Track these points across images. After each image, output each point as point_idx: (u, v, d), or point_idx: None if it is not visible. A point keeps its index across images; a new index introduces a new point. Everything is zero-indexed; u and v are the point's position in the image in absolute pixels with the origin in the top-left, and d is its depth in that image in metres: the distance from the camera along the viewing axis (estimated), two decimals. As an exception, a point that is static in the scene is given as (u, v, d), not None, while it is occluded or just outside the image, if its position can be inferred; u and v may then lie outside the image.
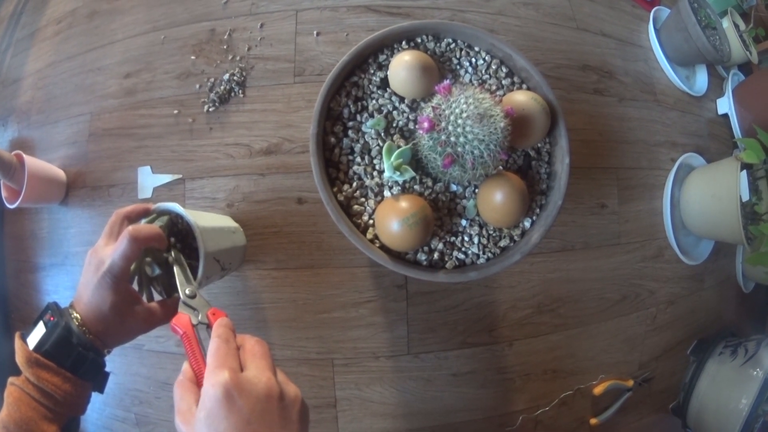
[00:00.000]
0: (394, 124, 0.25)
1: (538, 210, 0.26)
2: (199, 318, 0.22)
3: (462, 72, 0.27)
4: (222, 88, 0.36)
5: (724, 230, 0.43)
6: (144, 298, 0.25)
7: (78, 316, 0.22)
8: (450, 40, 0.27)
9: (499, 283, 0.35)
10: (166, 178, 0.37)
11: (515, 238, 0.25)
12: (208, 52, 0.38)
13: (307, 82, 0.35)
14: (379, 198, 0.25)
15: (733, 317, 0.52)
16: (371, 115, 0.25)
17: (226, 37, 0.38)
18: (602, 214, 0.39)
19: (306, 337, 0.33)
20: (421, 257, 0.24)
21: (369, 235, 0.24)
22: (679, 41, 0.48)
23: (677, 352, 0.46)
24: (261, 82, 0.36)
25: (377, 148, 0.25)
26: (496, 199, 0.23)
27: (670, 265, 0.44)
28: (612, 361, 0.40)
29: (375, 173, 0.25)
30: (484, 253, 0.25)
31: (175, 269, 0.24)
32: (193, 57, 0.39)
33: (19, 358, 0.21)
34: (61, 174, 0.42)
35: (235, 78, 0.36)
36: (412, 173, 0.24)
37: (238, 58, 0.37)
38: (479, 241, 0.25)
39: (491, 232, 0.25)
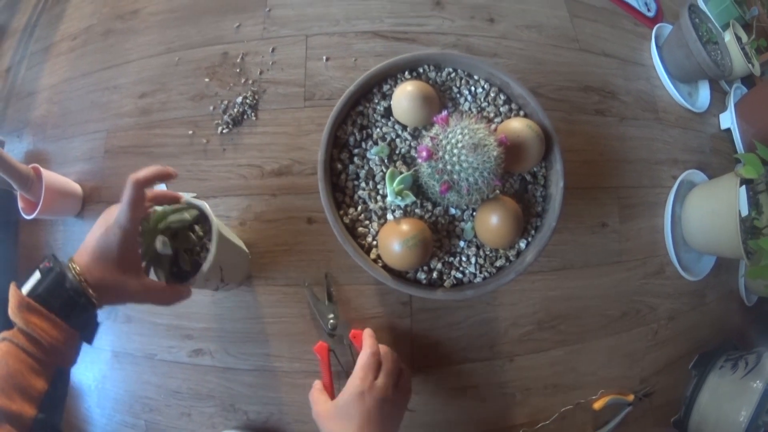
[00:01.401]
0: (397, 151, 0.28)
1: (533, 231, 0.28)
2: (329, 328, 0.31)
3: (462, 100, 0.29)
4: (235, 110, 0.38)
5: (724, 245, 0.45)
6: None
7: (77, 266, 0.23)
8: (450, 70, 0.29)
9: (500, 300, 0.37)
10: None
11: (511, 258, 0.27)
12: (221, 75, 0.41)
13: (317, 107, 0.38)
14: (382, 221, 0.27)
15: (736, 331, 0.54)
16: (375, 143, 0.28)
17: (238, 60, 0.41)
18: (603, 233, 0.41)
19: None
20: (421, 276, 0.26)
21: (372, 255, 0.26)
22: (680, 58, 0.50)
23: (678, 367, 0.48)
24: (272, 105, 0.39)
25: (381, 174, 0.27)
26: (492, 222, 0.25)
27: (671, 282, 0.46)
28: (612, 376, 0.42)
29: (379, 197, 0.27)
30: (480, 273, 0.27)
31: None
32: (206, 79, 0.41)
33: (11, 305, 0.22)
34: (77, 188, 0.45)
35: (248, 101, 0.38)
36: (413, 198, 0.26)
37: (250, 81, 0.40)
38: (476, 261, 0.27)
39: (488, 253, 0.27)
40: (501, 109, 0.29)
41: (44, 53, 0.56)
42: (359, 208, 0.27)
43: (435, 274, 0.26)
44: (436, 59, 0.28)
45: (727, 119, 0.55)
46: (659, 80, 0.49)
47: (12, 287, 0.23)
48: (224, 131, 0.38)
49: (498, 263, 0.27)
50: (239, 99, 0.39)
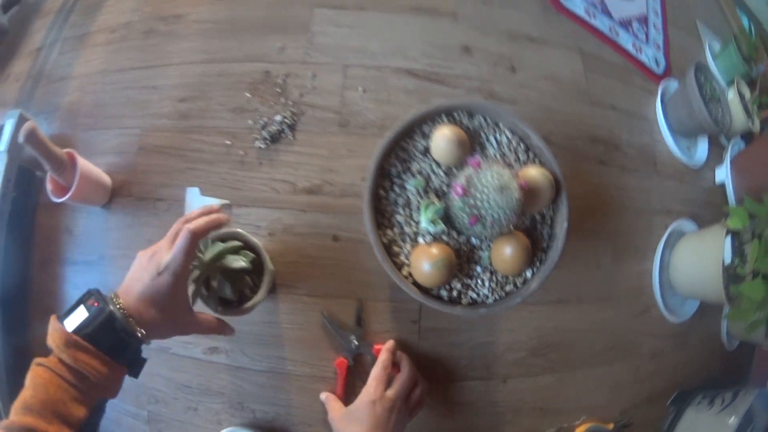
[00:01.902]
0: (431, 185, 0.34)
1: (538, 264, 0.34)
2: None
3: (488, 146, 0.35)
4: (274, 128, 0.44)
5: (707, 291, 0.52)
6: (210, 311, 0.32)
7: (125, 309, 0.25)
8: (481, 117, 0.36)
9: (500, 326, 0.44)
10: (214, 201, 0.45)
11: (518, 284, 0.34)
12: (262, 92, 0.47)
13: (351, 134, 0.44)
14: (414, 243, 0.33)
15: (716, 373, 0.60)
16: (414, 176, 0.34)
17: (280, 80, 0.47)
18: (597, 273, 0.48)
19: (326, 358, 0.40)
20: (443, 293, 0.32)
21: (404, 272, 0.32)
22: (682, 115, 0.57)
23: (657, 402, 0.54)
24: (309, 127, 0.44)
25: (417, 203, 0.33)
26: (506, 252, 0.31)
27: (655, 322, 0.53)
28: (595, 405, 0.48)
29: (413, 223, 0.33)
30: (492, 295, 0.33)
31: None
32: (248, 94, 0.47)
33: (55, 340, 0.24)
34: (107, 179, 0.50)
35: (286, 121, 0.44)
36: (443, 227, 0.32)
37: (290, 102, 0.45)
38: (489, 285, 0.33)
39: (499, 279, 0.33)
40: (520, 156, 0.35)
41: (79, 41, 0.60)
42: (396, 230, 0.33)
43: (455, 293, 0.32)
44: (470, 107, 0.35)
45: (722, 173, 0.62)
46: (661, 134, 0.56)
47: (54, 322, 0.25)
48: (262, 146, 0.44)
49: (507, 288, 0.33)
50: (278, 117, 0.44)
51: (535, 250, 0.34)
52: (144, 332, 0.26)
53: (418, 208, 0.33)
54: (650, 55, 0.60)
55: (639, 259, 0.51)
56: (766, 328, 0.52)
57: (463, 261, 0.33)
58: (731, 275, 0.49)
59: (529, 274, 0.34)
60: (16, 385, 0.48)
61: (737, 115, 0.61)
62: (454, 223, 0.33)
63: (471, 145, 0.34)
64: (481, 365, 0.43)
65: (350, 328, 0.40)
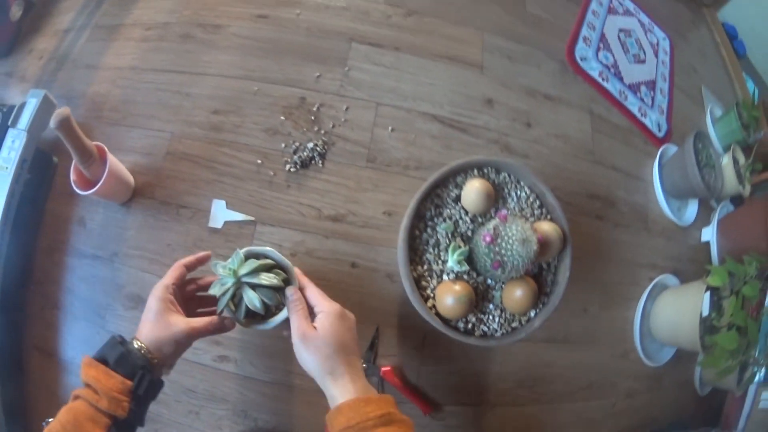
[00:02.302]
0: (458, 230, 0.40)
1: (541, 306, 0.41)
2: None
3: (509, 200, 0.42)
4: (305, 154, 0.49)
5: (684, 339, 0.59)
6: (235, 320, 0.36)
7: (135, 335, 0.32)
8: (506, 174, 0.42)
9: (493, 359, 0.50)
10: (239, 216, 0.49)
11: (523, 322, 0.40)
12: (296, 118, 0.52)
13: (377, 170, 0.49)
14: (439, 279, 0.39)
15: (687, 415, 0.68)
16: (444, 220, 0.40)
17: (315, 109, 0.52)
18: (583, 317, 0.55)
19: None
20: (460, 325, 0.38)
21: (429, 304, 0.38)
22: (677, 178, 0.66)
23: (630, 438, 0.62)
24: (338, 158, 0.50)
25: (445, 244, 0.39)
26: (516, 294, 0.38)
27: (633, 365, 0.61)
28: (572, 437, 0.55)
29: (440, 262, 0.39)
30: (500, 329, 0.39)
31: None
32: (282, 117, 0.52)
33: (81, 367, 0.29)
34: (131, 178, 0.53)
35: (317, 149, 0.50)
36: (467, 267, 0.38)
37: (322, 131, 0.51)
38: (499, 321, 0.39)
39: (508, 316, 0.40)
40: (535, 211, 0.42)
41: (111, 31, 0.63)
42: (425, 267, 0.39)
43: (470, 325, 0.39)
44: (498, 165, 0.42)
45: (709, 233, 0.71)
46: (654, 195, 0.64)
47: (84, 356, 0.30)
48: (291, 170, 0.49)
49: (513, 324, 0.40)
50: (310, 144, 0.50)
51: (539, 294, 0.40)
52: (147, 348, 0.31)
53: (446, 249, 0.39)
54: (654, 119, 0.69)
55: (623, 307, 0.59)
56: (737, 376, 0.61)
57: (479, 298, 0.39)
58: (707, 326, 0.57)
59: (533, 314, 0.40)
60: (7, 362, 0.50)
61: (729, 180, 0.68)
62: (476, 264, 0.39)
63: (496, 197, 0.41)
64: (472, 392, 0.49)
65: (365, 353, 0.45)
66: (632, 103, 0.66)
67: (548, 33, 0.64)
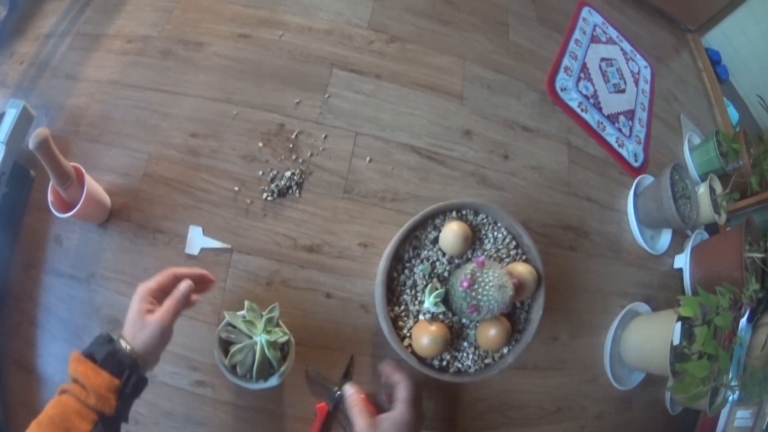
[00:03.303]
0: (436, 271, 0.42)
1: (514, 342, 0.43)
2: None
3: (486, 241, 0.43)
4: (282, 183, 0.50)
5: (654, 365, 0.62)
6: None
7: (122, 333, 0.34)
8: (483, 215, 0.44)
9: (466, 386, 0.52)
10: (215, 243, 0.50)
11: (495, 359, 0.42)
12: (274, 145, 0.53)
13: (353, 201, 0.51)
14: (416, 319, 0.41)
15: None
16: (422, 262, 0.42)
17: (293, 137, 0.53)
18: (553, 345, 0.58)
19: (308, 401, 0.47)
20: (435, 362, 0.40)
21: (405, 343, 0.40)
22: (652, 209, 0.68)
23: (598, 459, 0.65)
24: (315, 188, 0.51)
25: (422, 285, 0.41)
26: (490, 333, 0.40)
27: (602, 389, 0.64)
28: (541, 459, 0.58)
29: (417, 302, 0.41)
30: (474, 365, 0.41)
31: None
32: (260, 144, 0.53)
33: (69, 362, 0.30)
34: (108, 200, 0.53)
35: (295, 178, 0.51)
36: (443, 308, 0.40)
37: (300, 160, 0.52)
38: (473, 357, 0.41)
39: (481, 353, 0.42)
40: (511, 252, 0.44)
41: (93, 40, 0.62)
42: (402, 307, 0.40)
43: (444, 362, 0.40)
44: (477, 207, 0.43)
45: (681, 260, 0.73)
46: (628, 225, 0.67)
47: (73, 351, 0.32)
48: (269, 198, 0.50)
49: (486, 360, 0.42)
50: (288, 173, 0.51)
51: (513, 331, 0.42)
52: (131, 346, 0.33)
53: (423, 290, 0.41)
54: (630, 150, 0.71)
55: (593, 334, 0.62)
56: (709, 399, 0.64)
57: (453, 336, 0.41)
58: (678, 354, 0.59)
59: (506, 350, 0.42)
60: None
61: (705, 209, 0.70)
62: (451, 305, 0.41)
63: (473, 238, 0.42)
64: (446, 417, 0.52)
65: (334, 379, 0.47)
66: (610, 134, 0.69)
67: (530, 62, 0.66)
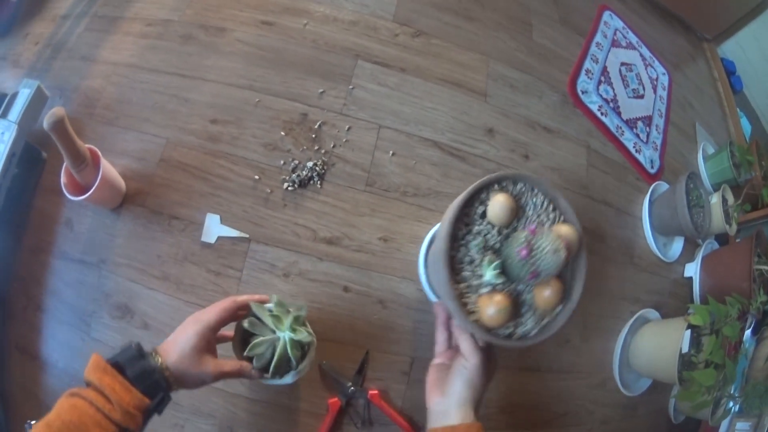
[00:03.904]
0: (489, 244, 0.42)
1: (565, 302, 0.42)
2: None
3: (528, 208, 0.44)
4: (304, 173, 0.50)
5: (662, 372, 0.63)
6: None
7: (157, 350, 0.32)
8: (522, 184, 0.44)
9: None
10: (233, 232, 0.49)
11: (551, 318, 0.41)
12: (297, 134, 0.52)
13: (375, 194, 0.50)
14: (477, 294, 0.40)
15: None
16: (474, 237, 0.41)
17: (316, 127, 0.52)
18: (565, 347, 0.58)
19: (321, 396, 0.47)
20: (501, 332, 0.40)
21: (472, 318, 0.40)
22: (666, 216, 0.68)
23: (603, 463, 0.65)
24: (337, 180, 0.50)
25: (479, 259, 0.41)
26: (546, 294, 0.41)
27: (610, 394, 0.64)
28: (547, 461, 0.58)
29: (477, 277, 0.41)
30: (534, 327, 0.41)
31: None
32: (282, 133, 0.52)
33: (89, 366, 0.28)
34: (123, 184, 0.52)
35: (317, 168, 0.50)
36: (504, 278, 0.40)
37: (323, 151, 0.51)
38: (532, 320, 0.41)
39: (539, 315, 0.42)
40: (550, 215, 0.44)
41: (110, 23, 0.61)
42: (464, 284, 0.41)
43: (510, 330, 0.41)
44: (516, 177, 0.44)
45: (692, 269, 0.74)
46: (642, 231, 0.67)
47: (94, 355, 0.30)
48: (289, 188, 0.50)
49: (544, 322, 0.42)
50: (310, 164, 0.50)
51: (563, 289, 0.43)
52: (172, 376, 0.32)
53: (480, 264, 0.41)
54: (647, 156, 0.71)
55: (604, 339, 0.62)
56: (711, 409, 0.65)
57: (513, 304, 0.41)
58: (686, 362, 0.60)
59: (560, 308, 0.43)
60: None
61: (717, 219, 0.70)
62: (509, 274, 0.41)
63: (517, 207, 0.43)
64: (453, 417, 0.51)
65: (348, 374, 0.47)
66: (628, 139, 0.69)
67: (552, 64, 0.66)
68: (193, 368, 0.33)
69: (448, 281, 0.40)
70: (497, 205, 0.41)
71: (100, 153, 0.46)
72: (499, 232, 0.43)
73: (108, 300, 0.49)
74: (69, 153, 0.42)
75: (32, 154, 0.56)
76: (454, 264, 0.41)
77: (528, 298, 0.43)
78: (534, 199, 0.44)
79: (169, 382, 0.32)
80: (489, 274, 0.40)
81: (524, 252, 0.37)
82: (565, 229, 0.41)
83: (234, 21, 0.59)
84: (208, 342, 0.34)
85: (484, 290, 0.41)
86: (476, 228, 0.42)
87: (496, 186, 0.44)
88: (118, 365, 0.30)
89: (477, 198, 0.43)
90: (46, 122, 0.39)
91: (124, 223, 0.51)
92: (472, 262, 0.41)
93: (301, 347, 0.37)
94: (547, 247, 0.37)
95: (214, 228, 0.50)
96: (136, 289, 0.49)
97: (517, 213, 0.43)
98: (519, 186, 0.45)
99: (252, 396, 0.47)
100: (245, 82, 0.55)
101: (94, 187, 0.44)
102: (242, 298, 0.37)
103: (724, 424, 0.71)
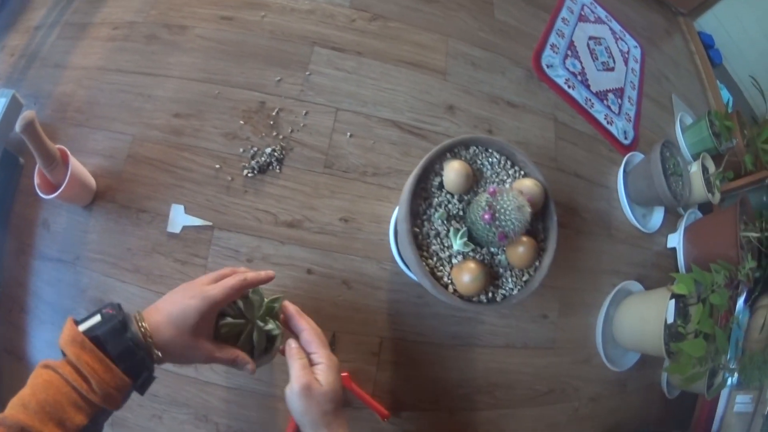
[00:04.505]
0: (450, 213, 0.41)
1: (542, 254, 0.41)
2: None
3: (485, 169, 0.43)
4: (263, 159, 0.50)
5: (648, 345, 0.60)
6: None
7: (145, 325, 0.27)
8: (475, 147, 0.43)
9: (451, 365, 0.51)
10: (197, 221, 0.49)
11: (531, 273, 0.41)
12: (255, 122, 0.52)
13: (333, 176, 0.50)
14: (450, 265, 0.39)
15: (656, 420, 0.69)
16: (435, 209, 0.41)
17: (274, 113, 0.52)
18: (542, 323, 0.56)
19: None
20: (482, 298, 0.39)
21: (450, 291, 0.39)
22: (642, 186, 0.66)
23: (593, 442, 0.62)
24: (296, 164, 0.50)
25: (444, 231, 0.40)
26: (519, 251, 0.40)
27: (596, 370, 0.62)
28: (532, 441, 0.56)
29: (446, 249, 0.40)
30: (515, 287, 0.40)
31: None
32: (241, 122, 0.52)
33: (64, 337, 0.25)
34: (93, 181, 0.53)
35: (275, 154, 0.50)
36: (472, 246, 0.39)
37: (281, 136, 0.51)
38: (512, 279, 0.41)
39: (517, 273, 0.41)
40: (509, 172, 0.43)
41: (80, 29, 0.63)
42: (435, 258, 0.40)
43: (490, 294, 0.40)
44: (466, 141, 0.43)
45: (675, 239, 0.72)
46: (618, 202, 0.65)
47: (68, 322, 0.26)
48: (249, 175, 0.49)
49: (524, 278, 0.41)
50: (268, 150, 0.50)
51: (536, 242, 0.42)
52: (160, 354, 0.28)
53: (446, 235, 0.40)
54: (620, 127, 0.70)
55: (584, 313, 0.60)
56: (707, 381, 0.62)
57: (488, 267, 0.40)
58: (672, 333, 0.58)
59: (537, 263, 0.42)
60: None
61: (697, 188, 0.69)
62: (477, 240, 0.40)
63: (473, 172, 0.42)
64: (430, 398, 0.50)
65: None
66: (598, 111, 0.67)
67: (515, 40, 0.65)
68: (189, 350, 0.29)
69: (417, 259, 0.38)
70: (452, 172, 0.40)
71: (69, 152, 0.47)
72: (460, 200, 0.42)
73: (84, 295, 0.50)
74: (40, 153, 0.44)
75: (10, 160, 0.57)
76: (420, 240, 0.40)
77: (503, 260, 0.42)
78: (490, 159, 0.44)
79: (154, 359, 0.28)
80: (457, 243, 0.39)
81: (487, 216, 0.36)
82: (527, 183, 0.41)
83: (195, 18, 0.60)
84: (209, 323, 0.30)
85: (456, 261, 0.40)
86: (436, 200, 0.41)
87: (448, 155, 0.43)
88: (98, 339, 0.26)
89: (431, 170, 0.42)
90: (18, 125, 0.41)
91: (96, 220, 0.52)
92: (438, 235, 0.40)
93: (268, 339, 0.36)
94: (509, 206, 0.36)
95: (178, 218, 0.50)
96: (110, 282, 0.49)
97: (475, 176, 0.42)
98: (472, 150, 0.44)
99: (224, 383, 0.46)
100: (205, 75, 0.56)
101: (63, 185, 0.45)
102: (250, 275, 0.33)
103: (723, 398, 0.68)
